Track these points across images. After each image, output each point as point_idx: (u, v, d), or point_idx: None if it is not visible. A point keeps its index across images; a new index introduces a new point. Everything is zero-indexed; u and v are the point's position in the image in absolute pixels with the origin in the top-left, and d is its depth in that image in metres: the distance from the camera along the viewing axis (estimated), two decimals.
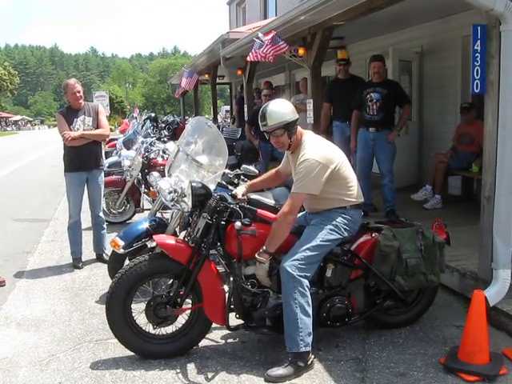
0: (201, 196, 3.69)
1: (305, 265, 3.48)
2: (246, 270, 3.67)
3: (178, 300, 3.66)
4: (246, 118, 10.56)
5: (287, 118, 3.60)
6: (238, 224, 3.56)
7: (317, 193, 3.52)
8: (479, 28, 4.05)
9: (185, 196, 3.89)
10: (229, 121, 20.56)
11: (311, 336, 3.48)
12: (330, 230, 3.62)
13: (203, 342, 3.86)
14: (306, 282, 3.48)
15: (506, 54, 3.86)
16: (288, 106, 3.70)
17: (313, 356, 3.55)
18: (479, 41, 4.05)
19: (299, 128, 3.74)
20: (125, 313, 3.63)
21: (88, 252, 6.20)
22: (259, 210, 3.64)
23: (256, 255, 3.53)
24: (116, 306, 3.61)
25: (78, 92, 5.73)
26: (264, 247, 3.52)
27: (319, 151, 3.56)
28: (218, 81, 15.93)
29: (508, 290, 4.04)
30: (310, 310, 3.48)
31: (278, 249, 3.58)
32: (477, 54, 4.08)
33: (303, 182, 3.48)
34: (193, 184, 3.70)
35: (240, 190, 4.01)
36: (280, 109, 3.64)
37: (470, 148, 7.03)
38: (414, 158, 8.69)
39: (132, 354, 3.72)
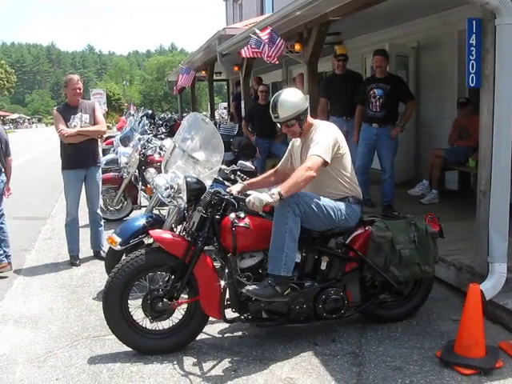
0: (195, 190, 3.72)
1: (302, 207, 3.55)
2: (241, 263, 3.68)
3: (175, 294, 3.67)
4: (243, 115, 10.54)
5: (299, 109, 3.71)
6: (232, 216, 3.58)
7: (328, 159, 3.58)
8: (474, 22, 4.05)
9: (181, 192, 3.90)
10: (226, 117, 20.51)
11: (294, 264, 3.56)
12: (334, 208, 3.70)
13: (200, 337, 3.86)
14: (297, 212, 3.53)
15: (500, 48, 3.86)
16: (298, 95, 3.79)
17: (290, 289, 3.60)
18: (474, 35, 4.05)
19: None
20: (122, 308, 3.63)
21: (85, 249, 6.20)
22: None
23: (268, 191, 3.51)
24: (113, 302, 3.61)
25: (79, 89, 5.75)
26: (278, 188, 3.47)
27: (331, 128, 3.78)
28: (215, 77, 15.92)
29: (504, 284, 4.05)
30: (296, 239, 3.55)
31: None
32: (472, 48, 4.08)
33: (318, 146, 3.59)
34: (187, 179, 3.72)
35: (235, 188, 4.00)
36: (292, 99, 3.74)
37: (466, 142, 7.02)
38: (411, 153, 8.68)
39: (129, 349, 3.72)
